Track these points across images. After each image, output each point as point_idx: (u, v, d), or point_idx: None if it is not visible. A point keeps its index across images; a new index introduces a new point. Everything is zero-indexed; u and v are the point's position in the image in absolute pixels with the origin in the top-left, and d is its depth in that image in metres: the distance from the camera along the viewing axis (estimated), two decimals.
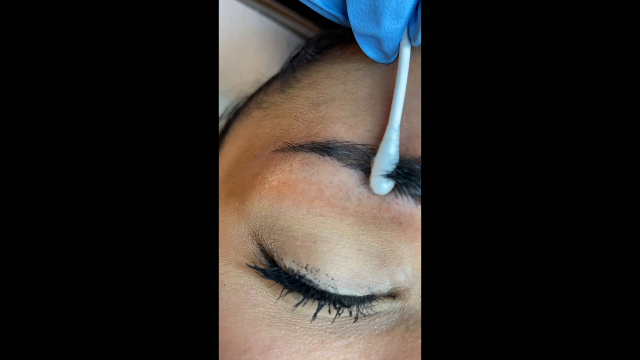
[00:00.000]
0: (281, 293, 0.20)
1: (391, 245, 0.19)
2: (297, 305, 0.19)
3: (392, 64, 0.21)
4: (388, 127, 0.19)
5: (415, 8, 0.19)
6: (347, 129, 0.20)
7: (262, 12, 0.32)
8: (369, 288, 0.19)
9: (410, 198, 0.18)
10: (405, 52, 0.20)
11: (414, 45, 0.20)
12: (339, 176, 0.19)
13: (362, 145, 0.19)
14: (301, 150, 0.20)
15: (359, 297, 0.19)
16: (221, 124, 0.27)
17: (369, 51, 0.21)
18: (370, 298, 0.19)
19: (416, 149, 0.19)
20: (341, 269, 0.19)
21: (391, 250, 0.19)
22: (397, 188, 0.19)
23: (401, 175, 0.18)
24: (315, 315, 0.19)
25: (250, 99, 0.26)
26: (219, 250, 0.21)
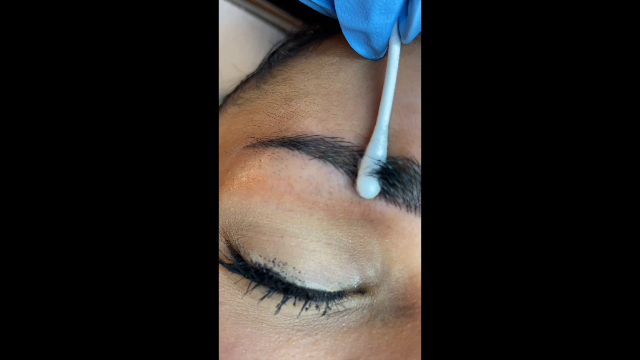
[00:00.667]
0: (248, 288, 0.19)
1: (361, 241, 0.18)
2: (262, 298, 0.19)
3: (369, 59, 0.21)
4: (376, 128, 0.18)
5: (406, 3, 0.18)
6: (317, 123, 0.19)
7: (247, 10, 0.31)
8: (339, 283, 0.19)
9: (381, 197, 0.18)
10: (395, 50, 0.19)
11: (404, 42, 0.19)
12: (308, 170, 0.19)
13: (331, 138, 0.19)
14: (270, 146, 0.19)
15: (329, 293, 0.19)
16: None
17: (357, 47, 0.20)
18: (341, 294, 0.19)
19: (391, 149, 0.18)
20: (309, 262, 0.18)
21: (361, 245, 0.18)
22: None
23: (380, 174, 0.18)
24: (279, 307, 0.19)
25: (228, 96, 0.25)
26: None
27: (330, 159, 0.18)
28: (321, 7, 0.20)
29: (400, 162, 0.18)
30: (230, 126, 0.22)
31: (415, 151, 0.18)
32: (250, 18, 0.31)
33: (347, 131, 0.19)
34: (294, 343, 0.18)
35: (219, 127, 0.23)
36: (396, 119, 0.19)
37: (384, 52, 0.20)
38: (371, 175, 0.18)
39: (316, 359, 0.18)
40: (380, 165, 0.18)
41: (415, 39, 0.20)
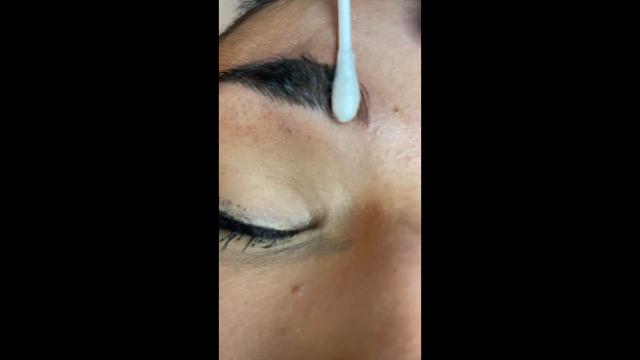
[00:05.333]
0: None
1: (296, 167, 0.19)
2: None
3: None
4: (339, 50, 0.19)
5: None
6: (246, 56, 0.20)
7: None
8: (288, 220, 0.19)
9: (284, 99, 0.18)
10: None
11: None
12: (224, 95, 0.19)
13: (250, 63, 0.20)
14: None
15: (279, 231, 0.19)
16: None
17: None
18: (292, 232, 0.19)
19: (286, 51, 0.19)
20: (253, 199, 0.19)
21: (299, 174, 0.19)
22: (269, 89, 0.19)
23: (278, 76, 0.18)
24: (225, 244, 0.19)
25: None
26: None
27: (240, 79, 0.19)
28: None
29: (294, 64, 0.19)
30: None
31: (314, 53, 0.19)
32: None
33: (265, 53, 0.20)
34: (241, 273, 0.19)
35: None
36: (309, 32, 0.20)
37: None
38: (344, 96, 0.18)
39: (262, 286, 0.18)
40: (354, 86, 0.18)
41: None
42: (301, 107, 0.18)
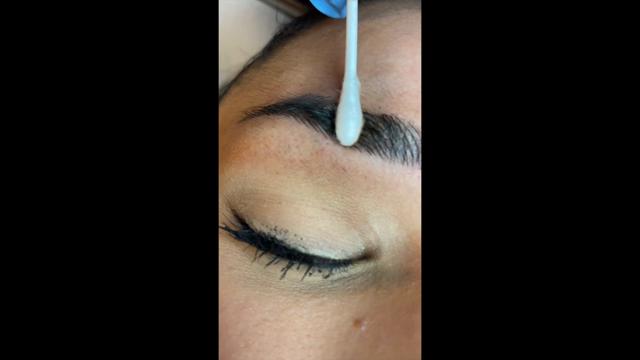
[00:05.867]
0: (255, 255, 0.20)
1: (350, 201, 0.19)
2: (268, 264, 0.20)
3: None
4: (345, 77, 0.19)
5: None
6: (297, 87, 0.20)
7: None
8: (342, 250, 0.19)
9: (336, 138, 0.19)
10: (352, 5, 0.19)
11: None
12: (277, 128, 0.20)
13: (301, 96, 0.20)
14: (255, 116, 0.21)
15: (334, 260, 0.19)
16: None
17: (319, 5, 0.21)
18: (347, 262, 0.19)
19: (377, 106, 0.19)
20: (309, 229, 0.19)
21: (352, 207, 0.19)
22: (322, 128, 0.19)
23: (324, 116, 0.19)
24: (284, 272, 0.19)
25: (234, 80, 0.26)
26: None
27: (293, 113, 0.19)
28: None
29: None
30: (231, 105, 0.23)
31: (387, 107, 0.19)
32: (259, 4, 0.32)
33: (316, 87, 0.20)
34: (301, 304, 0.19)
35: (222, 108, 0.24)
36: (373, 79, 0.20)
37: (345, 8, 0.21)
38: (347, 121, 0.19)
39: (323, 318, 0.18)
40: (358, 112, 0.19)
41: (405, 5, 0.21)
42: (357, 151, 0.19)
